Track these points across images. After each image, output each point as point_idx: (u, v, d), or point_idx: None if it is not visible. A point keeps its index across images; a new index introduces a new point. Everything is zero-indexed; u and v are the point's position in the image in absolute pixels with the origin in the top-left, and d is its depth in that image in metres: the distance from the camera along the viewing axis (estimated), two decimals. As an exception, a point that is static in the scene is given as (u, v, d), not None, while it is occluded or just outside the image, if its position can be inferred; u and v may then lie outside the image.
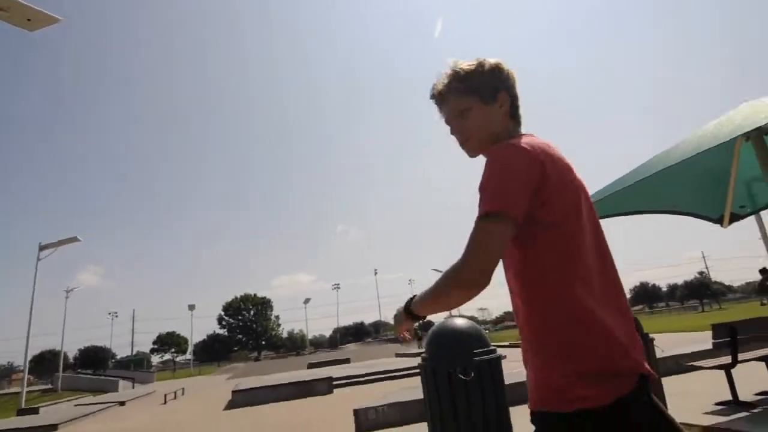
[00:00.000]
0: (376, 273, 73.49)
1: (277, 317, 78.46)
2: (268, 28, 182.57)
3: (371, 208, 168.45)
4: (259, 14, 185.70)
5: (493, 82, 1.24)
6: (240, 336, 75.53)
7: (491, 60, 1.27)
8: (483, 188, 1.06)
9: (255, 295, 76.64)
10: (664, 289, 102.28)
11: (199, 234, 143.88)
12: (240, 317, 75.48)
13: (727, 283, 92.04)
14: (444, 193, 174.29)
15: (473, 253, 1.00)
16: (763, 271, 17.39)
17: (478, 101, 1.23)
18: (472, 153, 1.29)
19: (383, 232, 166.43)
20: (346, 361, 26.20)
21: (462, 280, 1.01)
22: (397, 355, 24.68)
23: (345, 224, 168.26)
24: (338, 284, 72.68)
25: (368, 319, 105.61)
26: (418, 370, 3.67)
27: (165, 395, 15.87)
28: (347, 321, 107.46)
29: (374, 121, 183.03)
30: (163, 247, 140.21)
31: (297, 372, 18.84)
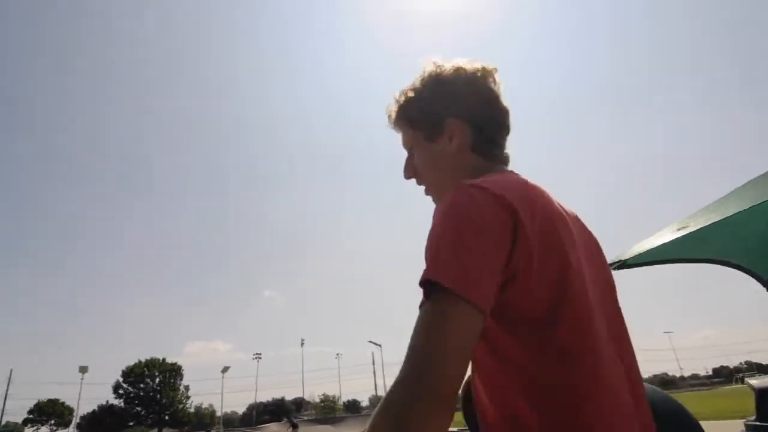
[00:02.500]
0: (302, 344, 68.50)
1: (187, 388, 69.45)
2: (203, 83, 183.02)
3: (303, 275, 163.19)
4: (180, 72, 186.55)
5: (437, 106, 0.93)
6: (139, 408, 65.42)
7: (450, 66, 0.94)
8: (430, 253, 0.70)
9: (163, 360, 67.87)
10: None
11: (102, 283, 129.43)
12: (142, 385, 65.65)
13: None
14: (382, 267, 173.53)
15: (425, 354, 0.62)
16: None
17: (420, 137, 0.96)
18: (433, 199, 0.99)
19: (313, 301, 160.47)
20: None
21: (418, 400, 0.59)
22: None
23: (272, 290, 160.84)
24: (259, 354, 66.16)
25: (290, 395, 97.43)
26: None
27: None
28: (266, 396, 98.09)
29: (315, 183, 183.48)
30: (56, 297, 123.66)
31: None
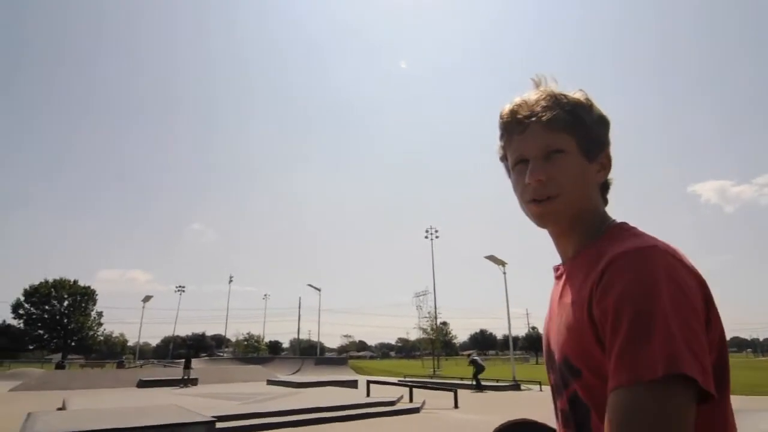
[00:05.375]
0: (231, 281, 65.08)
1: (100, 314, 64.37)
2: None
3: (241, 212, 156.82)
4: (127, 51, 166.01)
5: (602, 131, 0.86)
6: (41, 332, 59.89)
7: (597, 103, 0.87)
8: (657, 330, 0.61)
9: (74, 282, 61.95)
10: (500, 338, 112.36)
11: (10, 192, 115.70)
12: (47, 307, 59.71)
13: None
14: (325, 217, 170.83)
15: None
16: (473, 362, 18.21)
17: (576, 147, 0.81)
18: (546, 219, 0.83)
19: (247, 240, 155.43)
20: (194, 382, 20.39)
21: None
22: (271, 382, 19.74)
23: (202, 223, 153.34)
24: (183, 287, 61.93)
25: (211, 331, 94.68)
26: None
27: None
28: (185, 330, 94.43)
29: (265, 122, 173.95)
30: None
31: (129, 392, 12.97)
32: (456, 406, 12.48)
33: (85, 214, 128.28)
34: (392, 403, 11.89)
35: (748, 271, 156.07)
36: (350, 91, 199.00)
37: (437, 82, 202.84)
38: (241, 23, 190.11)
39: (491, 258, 26.37)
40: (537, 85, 0.86)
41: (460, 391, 13.73)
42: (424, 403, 12.47)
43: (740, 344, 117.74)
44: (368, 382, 14.62)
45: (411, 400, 12.98)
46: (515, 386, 19.22)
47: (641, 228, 0.79)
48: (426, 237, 42.06)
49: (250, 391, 15.12)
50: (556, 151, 0.80)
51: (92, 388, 18.94)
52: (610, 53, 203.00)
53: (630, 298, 0.63)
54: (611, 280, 0.66)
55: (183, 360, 21.10)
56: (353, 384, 18.45)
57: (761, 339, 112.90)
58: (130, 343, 76.50)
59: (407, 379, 23.10)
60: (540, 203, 0.80)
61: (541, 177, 0.79)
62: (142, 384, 19.99)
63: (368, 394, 13.39)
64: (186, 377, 20.09)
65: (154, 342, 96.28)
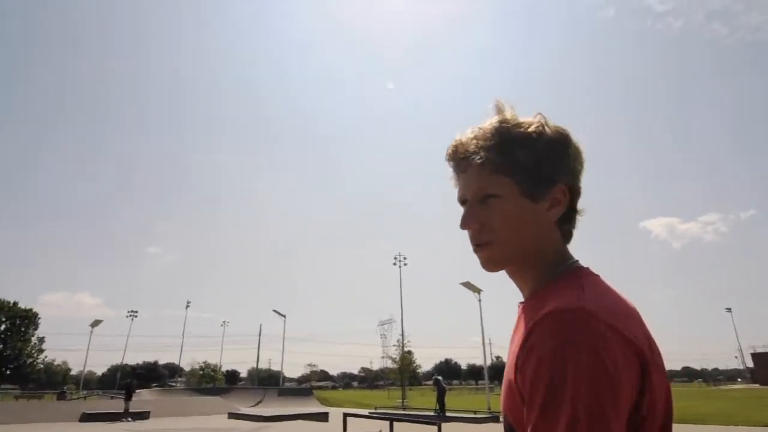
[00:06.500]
0: (188, 306, 61.69)
1: (41, 340, 59.36)
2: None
3: (202, 236, 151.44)
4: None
5: (550, 165, 0.78)
6: (-30, 358, 54.48)
7: (555, 126, 0.80)
8: (550, 406, 0.60)
9: (14, 304, 57.09)
10: (464, 367, 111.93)
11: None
12: (-20, 331, 54.81)
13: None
14: (284, 237, 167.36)
15: None
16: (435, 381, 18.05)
17: (515, 190, 0.77)
18: (487, 265, 0.80)
19: (206, 264, 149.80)
20: (145, 416, 18.56)
21: None
22: (233, 415, 18.14)
23: (159, 246, 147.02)
24: (135, 312, 58.08)
25: (165, 359, 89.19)
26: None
27: None
28: (136, 359, 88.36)
29: (239, 141, 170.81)
30: None
31: (71, 428, 11.32)
32: (440, 441, 11.57)
33: (29, 231, 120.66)
34: (373, 439, 10.91)
35: (695, 303, 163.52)
36: (322, 112, 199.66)
37: (416, 105, 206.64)
38: (209, 33, 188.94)
39: (467, 285, 25.91)
40: (498, 110, 0.81)
41: (444, 425, 12.84)
42: (406, 438, 11.52)
43: (690, 374, 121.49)
44: (345, 416, 13.49)
45: (391, 435, 11.97)
46: (494, 418, 18.43)
47: (599, 268, 0.77)
48: (394, 264, 41.40)
49: (212, 427, 13.71)
50: (491, 195, 0.77)
51: (28, 423, 16.77)
52: (583, 101, 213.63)
53: (545, 371, 0.61)
54: (532, 346, 0.64)
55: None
56: (324, 417, 17.23)
57: (710, 368, 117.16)
58: (73, 372, 71.11)
59: (378, 411, 21.92)
60: (479, 248, 0.78)
61: (473, 225, 0.78)
62: (86, 418, 18.02)
63: (344, 430, 12.31)
64: (126, 409, 18.35)
65: (100, 371, 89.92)
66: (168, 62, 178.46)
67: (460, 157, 0.81)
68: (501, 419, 0.78)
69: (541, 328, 0.64)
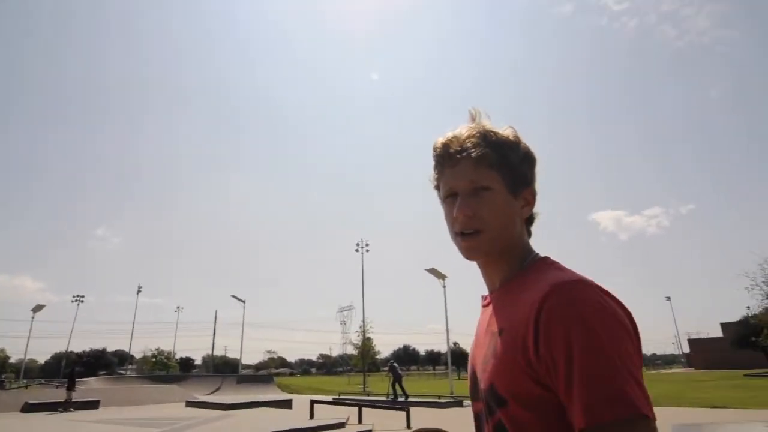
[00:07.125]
0: (139, 291, 58.90)
1: (-26, 326, 55.27)
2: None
3: (156, 218, 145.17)
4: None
5: (527, 169, 0.89)
6: None
7: (523, 138, 0.90)
8: (593, 369, 0.65)
9: (-56, 289, 52.84)
10: (422, 353, 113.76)
11: None
12: None
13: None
14: (242, 220, 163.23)
15: None
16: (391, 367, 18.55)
17: (501, 184, 0.85)
18: (472, 253, 0.85)
19: (158, 247, 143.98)
20: (94, 405, 17.55)
21: None
22: (190, 403, 17.40)
23: (108, 229, 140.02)
24: (81, 297, 54.87)
25: (113, 346, 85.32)
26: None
27: None
28: (82, 346, 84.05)
29: (204, 121, 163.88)
30: None
31: (12, 419, 10.42)
32: (409, 426, 11.50)
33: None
34: (341, 425, 10.70)
35: (639, 292, 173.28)
36: (284, 98, 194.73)
37: (379, 94, 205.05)
38: (172, 20, 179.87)
39: (432, 271, 25.99)
40: (472, 118, 0.89)
41: (412, 410, 12.78)
42: (374, 424, 11.37)
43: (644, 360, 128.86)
44: (312, 402, 13.18)
45: (360, 421, 11.81)
46: (458, 402, 18.63)
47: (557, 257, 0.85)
48: (356, 250, 41.09)
49: (169, 416, 13.06)
50: (484, 188, 0.83)
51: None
52: (544, 99, 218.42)
53: (578, 337, 0.65)
54: (552, 316, 0.68)
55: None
56: (288, 404, 16.82)
57: (648, 354, 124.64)
58: (12, 360, 66.75)
59: (342, 397, 21.71)
60: (466, 237, 0.83)
61: (468, 213, 0.83)
62: (29, 408, 16.80)
63: (311, 416, 12.02)
64: (69, 399, 17.13)
65: (43, 359, 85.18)
66: (130, 43, 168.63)
67: (451, 151, 0.85)
68: (477, 394, 0.83)
69: (554, 299, 0.69)
